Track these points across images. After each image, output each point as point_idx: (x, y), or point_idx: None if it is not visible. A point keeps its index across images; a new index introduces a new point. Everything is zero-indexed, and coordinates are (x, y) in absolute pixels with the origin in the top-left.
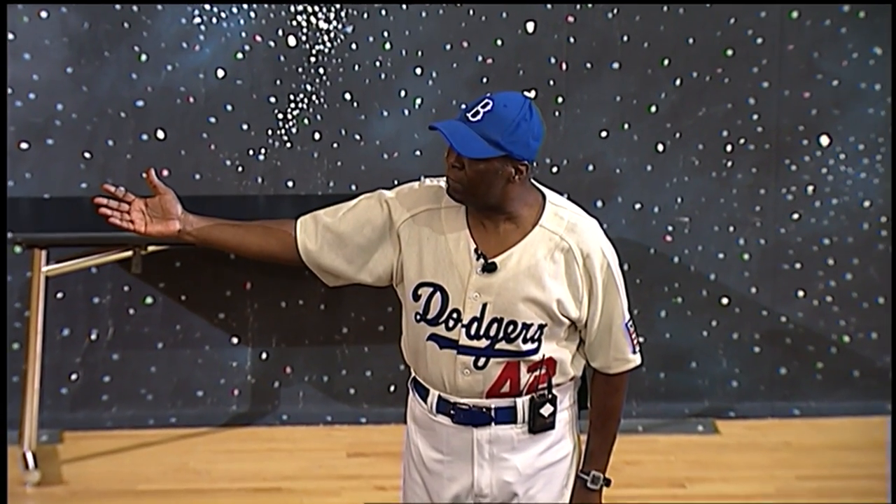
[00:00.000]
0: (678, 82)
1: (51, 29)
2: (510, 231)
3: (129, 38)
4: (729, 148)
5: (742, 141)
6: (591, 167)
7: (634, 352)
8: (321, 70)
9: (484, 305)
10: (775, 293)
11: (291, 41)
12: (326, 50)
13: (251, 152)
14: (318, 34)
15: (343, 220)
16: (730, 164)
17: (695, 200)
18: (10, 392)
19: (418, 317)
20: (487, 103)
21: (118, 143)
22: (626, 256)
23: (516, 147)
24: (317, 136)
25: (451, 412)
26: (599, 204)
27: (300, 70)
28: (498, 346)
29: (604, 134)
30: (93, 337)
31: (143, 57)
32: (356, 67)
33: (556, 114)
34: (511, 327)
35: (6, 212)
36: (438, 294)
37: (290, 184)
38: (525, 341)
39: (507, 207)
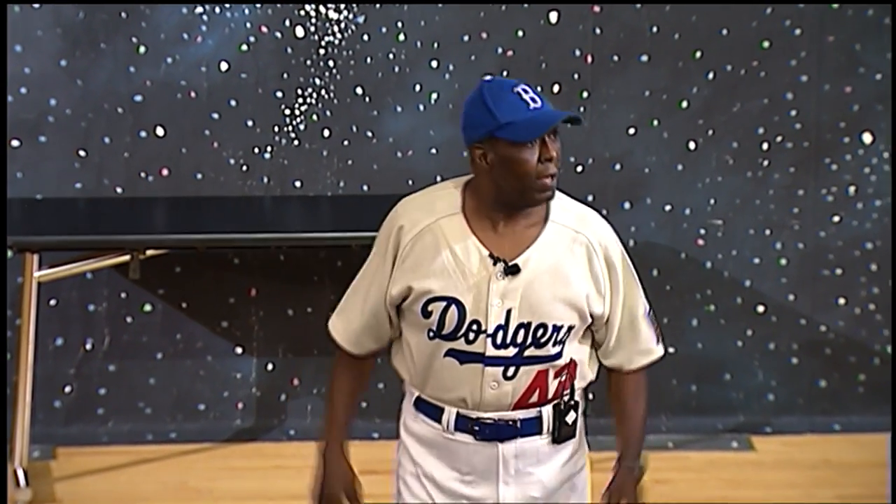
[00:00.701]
0: (711, 76)
1: (43, 19)
2: (523, 230)
3: (126, 28)
4: (765, 146)
5: (779, 138)
6: (618, 166)
7: (658, 342)
8: (331, 63)
9: (508, 312)
10: (814, 300)
11: (299, 32)
12: (336, 42)
13: (256, 150)
14: (327, 25)
15: (369, 312)
16: (766, 163)
17: (729, 202)
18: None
19: (432, 334)
20: (526, 88)
21: (115, 141)
22: (656, 261)
23: None
24: (326, 133)
25: (475, 428)
26: (627, 205)
27: (308, 63)
28: (527, 352)
29: (632, 131)
30: (88, 346)
31: (142, 49)
32: (368, 60)
33: (582, 109)
34: (541, 331)
35: (6, 213)
36: (453, 307)
37: (297, 184)
38: (555, 344)
39: None
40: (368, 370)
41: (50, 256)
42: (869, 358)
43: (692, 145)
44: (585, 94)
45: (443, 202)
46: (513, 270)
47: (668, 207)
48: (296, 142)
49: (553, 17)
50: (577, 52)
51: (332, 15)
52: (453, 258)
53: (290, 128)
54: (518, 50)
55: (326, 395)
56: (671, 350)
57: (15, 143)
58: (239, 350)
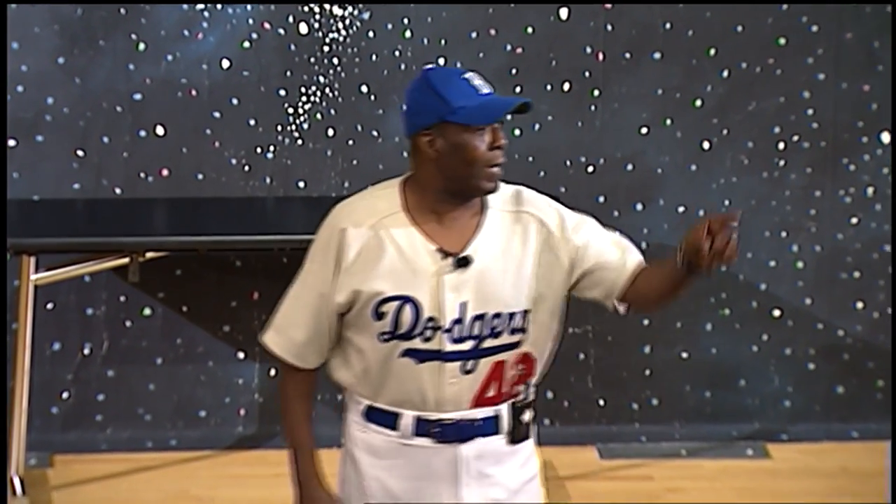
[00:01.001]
0: (726, 74)
1: (40, 15)
2: (466, 219)
3: (125, 25)
4: (781, 146)
5: (795, 138)
6: (630, 166)
7: (631, 254)
8: (335, 60)
9: (463, 304)
10: (832, 304)
11: (303, 28)
12: (341, 38)
13: (259, 150)
14: (331, 21)
15: (312, 324)
16: (782, 163)
17: (744, 203)
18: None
19: (386, 336)
20: (473, 73)
21: (114, 140)
22: None
23: None
24: (330, 132)
25: (435, 430)
26: (639, 206)
27: (312, 60)
28: (485, 344)
29: (644, 130)
30: (86, 351)
31: (142, 46)
32: (373, 57)
33: (592, 108)
34: (496, 321)
35: (5, 214)
36: (408, 306)
37: (301, 184)
38: (511, 332)
39: None
40: (316, 382)
41: (47, 259)
42: (888, 363)
43: (706, 145)
44: (596, 93)
45: (383, 202)
46: (463, 262)
47: (681, 209)
48: (299, 141)
49: (563, 13)
50: (588, 50)
51: (337, 11)
52: (401, 256)
53: (294, 127)
54: (527, 47)
55: (284, 419)
56: (684, 355)
57: (11, 142)
58: (241, 355)
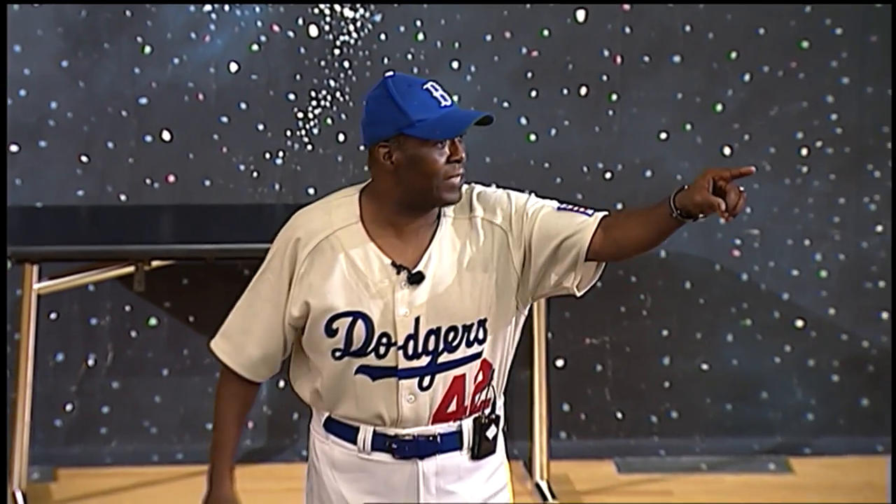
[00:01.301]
0: (747, 78)
1: (43, 17)
2: (421, 230)
3: (131, 27)
4: (804, 152)
5: (819, 144)
6: (648, 173)
7: (590, 214)
8: (346, 64)
9: (417, 320)
10: (856, 314)
11: (313, 31)
12: (352, 41)
13: (268, 156)
14: (342, 23)
15: (265, 336)
16: (805, 169)
17: (766, 210)
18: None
19: (339, 353)
20: (434, 84)
21: (119, 146)
22: (689, 273)
23: None
24: (341, 137)
25: (393, 446)
26: (684, 222)
27: (322, 64)
28: (441, 359)
29: (663, 136)
30: (90, 362)
31: (147, 49)
32: (385, 61)
33: (610, 113)
34: (451, 335)
35: (5, 222)
36: (360, 322)
37: (311, 191)
38: (469, 344)
39: None
40: (256, 392)
41: (50, 267)
42: None
43: (727, 151)
44: (614, 97)
45: (339, 212)
46: (416, 278)
47: (700, 216)
48: (309, 147)
49: (580, 15)
50: (606, 53)
51: (348, 13)
52: (354, 270)
53: (304, 132)
54: (543, 50)
55: (214, 417)
56: (704, 367)
57: (14, 148)
58: None
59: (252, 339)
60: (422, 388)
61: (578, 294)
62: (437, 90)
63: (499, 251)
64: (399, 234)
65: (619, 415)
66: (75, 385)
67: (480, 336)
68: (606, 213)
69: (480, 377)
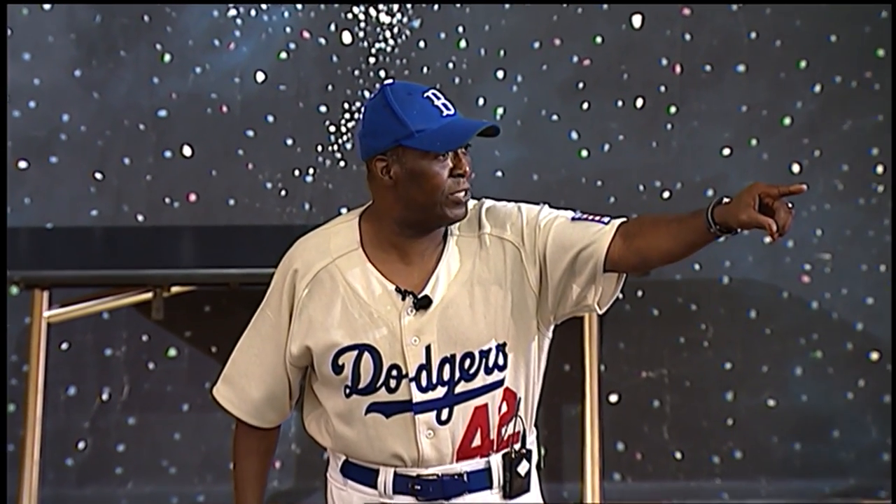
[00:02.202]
0: (818, 89)
1: (55, 23)
2: (427, 251)
3: (149, 34)
4: (879, 169)
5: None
6: (710, 192)
7: (606, 222)
8: (382, 73)
9: (428, 348)
10: None
11: (346, 38)
12: (389, 49)
13: (297, 173)
14: (378, 29)
15: (267, 378)
16: (881, 188)
17: (838, 233)
18: (6, 463)
19: (348, 390)
20: (436, 92)
21: (136, 162)
22: (754, 301)
23: None
24: None
25: (417, 487)
26: (720, 238)
27: (357, 73)
28: (458, 389)
29: (726, 151)
30: (104, 396)
31: (167, 57)
32: (425, 70)
33: (669, 127)
34: (468, 362)
35: (5, 243)
36: (367, 355)
37: (343, 210)
38: (488, 372)
39: None
40: (276, 439)
41: (61, 294)
42: None
43: (796, 168)
44: (673, 110)
45: (338, 239)
46: (423, 303)
47: (767, 239)
48: (342, 163)
49: (636, 20)
50: (664, 62)
51: (384, 18)
52: (356, 300)
53: (336, 147)
54: (596, 58)
55: (234, 476)
56: (771, 403)
57: (23, 164)
58: None
59: (254, 382)
60: (441, 422)
61: (600, 311)
62: (438, 98)
63: (512, 268)
64: (403, 258)
65: (678, 455)
66: (88, 421)
67: (500, 362)
68: (625, 219)
69: (505, 408)
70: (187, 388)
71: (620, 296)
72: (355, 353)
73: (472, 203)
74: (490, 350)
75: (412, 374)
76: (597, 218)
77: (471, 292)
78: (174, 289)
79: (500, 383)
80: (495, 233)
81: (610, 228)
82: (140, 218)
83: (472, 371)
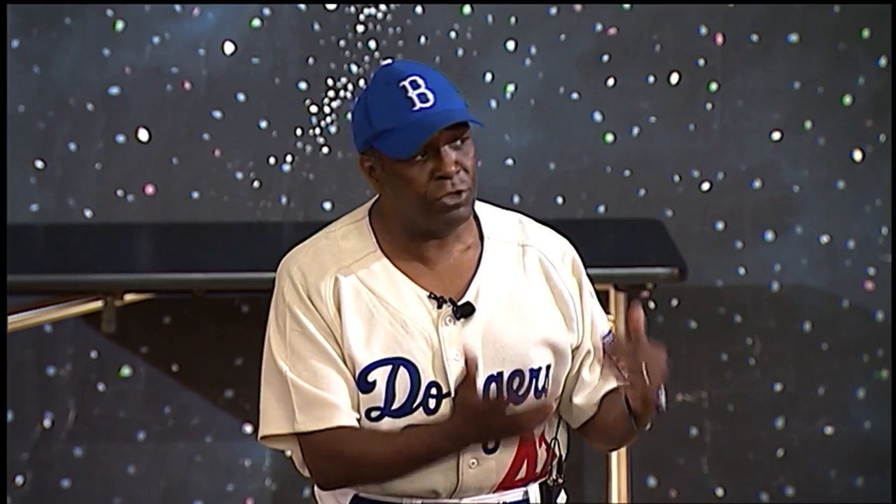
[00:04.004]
0: (883, 62)
1: None
2: (460, 254)
3: None
4: None
5: None
6: (756, 183)
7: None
8: (372, 44)
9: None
10: None
11: (330, 3)
12: (380, 15)
13: (272, 161)
14: None
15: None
16: None
17: None
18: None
19: (376, 413)
20: (417, 81)
21: (83, 148)
22: (808, 311)
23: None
24: None
25: None
26: (769, 236)
27: (342, 43)
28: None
29: (776, 136)
30: (46, 423)
31: (120, 25)
32: (422, 40)
33: (709, 106)
34: (517, 380)
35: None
36: (403, 370)
37: (327, 205)
38: (537, 394)
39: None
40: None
41: None
42: None
43: (857, 155)
44: (714, 87)
45: (349, 242)
46: (466, 311)
47: (824, 238)
48: (325, 149)
49: None
50: (703, 30)
51: None
52: (385, 308)
53: (318, 130)
54: (623, 27)
55: (397, 452)
56: (828, 430)
57: None
58: (248, 428)
59: (330, 389)
60: (487, 451)
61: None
62: (416, 87)
63: (553, 291)
64: (425, 262)
65: (720, 491)
66: (28, 452)
67: (542, 384)
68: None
69: (551, 436)
70: (143, 413)
71: (652, 305)
72: (390, 367)
73: (512, 216)
74: (540, 370)
75: (454, 393)
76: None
77: (515, 307)
78: (128, 297)
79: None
80: (544, 248)
81: (606, 386)
82: (88, 213)
83: (521, 392)
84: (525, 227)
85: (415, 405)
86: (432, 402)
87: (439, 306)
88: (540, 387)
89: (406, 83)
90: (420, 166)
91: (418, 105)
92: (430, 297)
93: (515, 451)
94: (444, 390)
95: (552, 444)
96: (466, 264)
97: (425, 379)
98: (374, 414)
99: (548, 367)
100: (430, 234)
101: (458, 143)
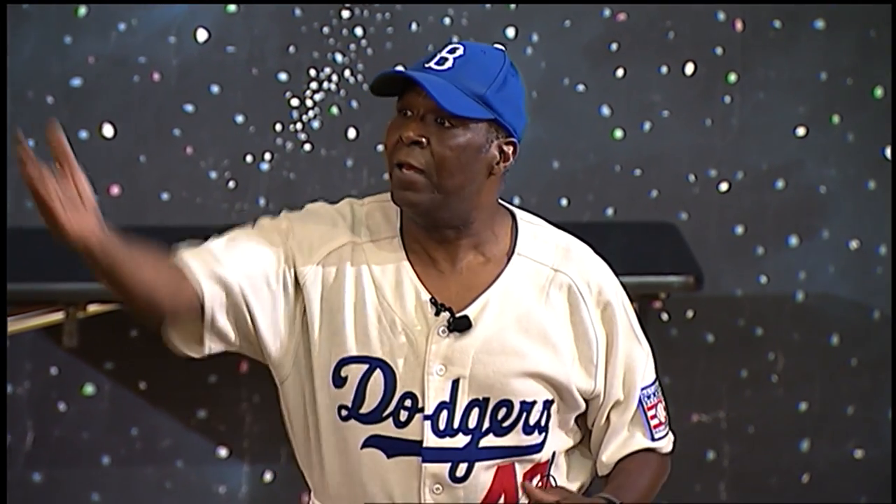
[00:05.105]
0: None
1: None
2: (477, 265)
3: None
4: None
5: None
6: (779, 183)
7: (655, 438)
8: (358, 31)
9: (455, 383)
10: None
11: None
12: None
13: (249, 159)
14: None
15: (240, 255)
16: None
17: None
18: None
19: (345, 412)
20: (457, 48)
21: (43, 145)
22: (836, 323)
23: (508, 110)
24: (351, 133)
25: None
26: (793, 241)
27: (326, 30)
28: (484, 442)
29: (800, 132)
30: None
31: (83, 10)
32: (414, 27)
33: (728, 100)
34: (502, 411)
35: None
36: (379, 373)
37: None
38: (528, 430)
39: (477, 224)
40: (189, 300)
41: None
42: None
43: (889, 152)
44: (733, 78)
45: (373, 219)
46: (461, 325)
47: (853, 244)
48: (307, 146)
49: None
50: (721, 16)
51: None
52: (380, 300)
53: (299, 126)
54: (634, 13)
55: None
56: (857, 454)
57: None
58: (223, 452)
59: (231, 256)
60: (454, 479)
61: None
62: (452, 52)
63: (575, 328)
64: (433, 262)
65: None
66: None
67: (543, 422)
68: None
69: (538, 478)
70: (108, 435)
71: (665, 316)
72: (365, 367)
73: (562, 238)
74: (534, 404)
75: (429, 410)
76: (654, 421)
77: (523, 332)
78: (91, 307)
79: (537, 448)
80: (578, 280)
81: (612, 459)
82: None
83: (506, 424)
84: (569, 252)
85: (385, 413)
86: (404, 415)
87: (437, 314)
88: (532, 422)
89: (449, 47)
90: (395, 125)
91: (428, 62)
92: (431, 301)
93: (489, 485)
94: (419, 405)
95: (546, 479)
96: (482, 277)
97: (401, 387)
98: (344, 413)
99: (547, 403)
100: (416, 217)
101: (444, 123)
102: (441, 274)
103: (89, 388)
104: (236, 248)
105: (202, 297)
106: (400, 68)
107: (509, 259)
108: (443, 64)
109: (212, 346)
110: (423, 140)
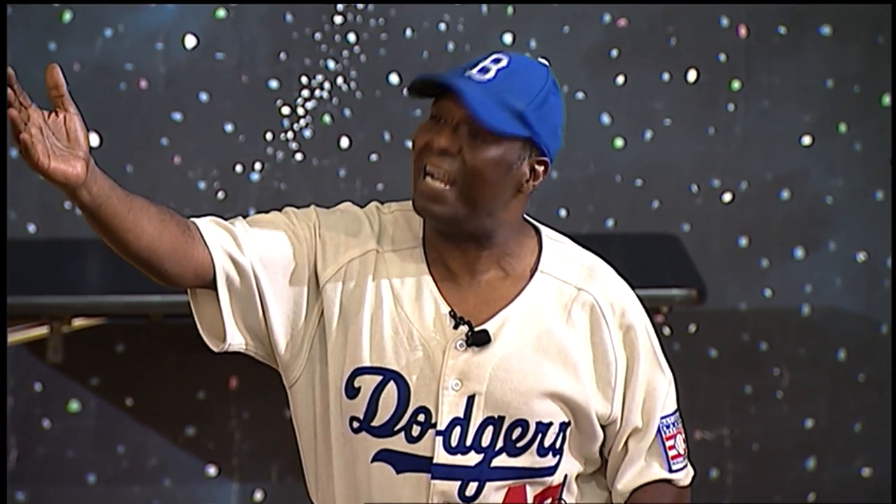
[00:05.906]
0: None
1: None
2: (497, 280)
3: None
4: None
5: None
6: (785, 194)
7: (673, 469)
8: (352, 37)
9: (470, 399)
10: None
11: None
12: (361, 4)
13: (239, 168)
14: None
15: (266, 238)
16: None
17: None
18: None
19: (357, 424)
20: (501, 58)
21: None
22: (843, 338)
23: (545, 129)
24: (344, 142)
25: None
26: (799, 253)
27: (318, 37)
28: (496, 461)
29: (806, 140)
30: None
31: (67, 15)
32: (408, 33)
33: (731, 107)
34: (517, 431)
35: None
36: (392, 385)
37: None
38: (542, 452)
39: (500, 239)
40: (195, 259)
41: None
42: None
43: None
44: (736, 85)
45: (398, 228)
46: (479, 340)
47: (860, 256)
48: (298, 155)
49: None
50: (725, 21)
51: None
52: (398, 311)
53: (290, 135)
54: (634, 18)
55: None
56: (865, 472)
57: None
58: (212, 470)
59: (250, 236)
60: (464, 499)
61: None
62: (496, 62)
63: (595, 349)
64: (454, 278)
65: None
66: None
67: (558, 444)
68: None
69: (549, 501)
70: (94, 453)
71: (667, 331)
72: (378, 378)
73: (587, 258)
74: (550, 425)
75: (442, 426)
76: (672, 451)
77: (543, 351)
78: (76, 322)
79: (550, 470)
80: (602, 300)
81: (629, 488)
82: (31, 228)
83: (520, 444)
84: (594, 272)
85: (397, 427)
86: (416, 430)
87: (455, 327)
88: (547, 444)
89: (493, 56)
90: (428, 129)
91: (470, 69)
92: (451, 314)
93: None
94: (433, 419)
95: (558, 498)
96: (502, 292)
97: (415, 401)
98: (356, 425)
99: (563, 425)
100: (437, 227)
101: (477, 137)
102: (459, 287)
103: (74, 405)
104: (258, 229)
105: (213, 265)
106: (440, 74)
107: (532, 276)
108: (485, 73)
109: (231, 332)
110: (454, 149)
